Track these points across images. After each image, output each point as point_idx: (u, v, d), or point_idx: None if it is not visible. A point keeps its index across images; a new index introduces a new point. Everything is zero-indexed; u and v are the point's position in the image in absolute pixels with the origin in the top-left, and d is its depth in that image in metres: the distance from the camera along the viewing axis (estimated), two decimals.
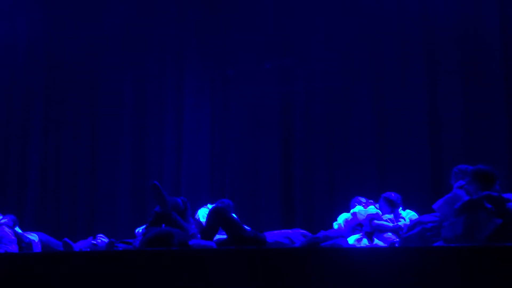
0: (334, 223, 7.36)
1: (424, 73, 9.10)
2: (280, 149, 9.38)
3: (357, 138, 9.14)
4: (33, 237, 7.34)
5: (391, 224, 6.86)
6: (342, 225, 7.14)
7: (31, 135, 9.73)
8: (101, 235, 7.26)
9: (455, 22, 9.06)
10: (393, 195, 7.13)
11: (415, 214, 7.08)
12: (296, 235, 6.01)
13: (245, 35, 9.49)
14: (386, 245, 6.60)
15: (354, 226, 7.03)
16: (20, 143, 9.71)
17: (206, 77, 9.68)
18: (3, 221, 7.33)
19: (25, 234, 7.22)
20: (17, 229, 7.45)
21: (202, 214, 7.47)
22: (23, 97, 9.74)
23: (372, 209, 7.05)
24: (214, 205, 6.96)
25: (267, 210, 9.22)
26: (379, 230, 6.79)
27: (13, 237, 7.02)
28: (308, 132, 9.34)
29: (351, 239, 6.79)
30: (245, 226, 6.29)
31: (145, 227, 6.58)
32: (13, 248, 6.91)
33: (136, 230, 7.26)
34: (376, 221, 6.84)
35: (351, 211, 7.24)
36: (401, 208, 7.19)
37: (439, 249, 4.94)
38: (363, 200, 7.46)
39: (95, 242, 7.03)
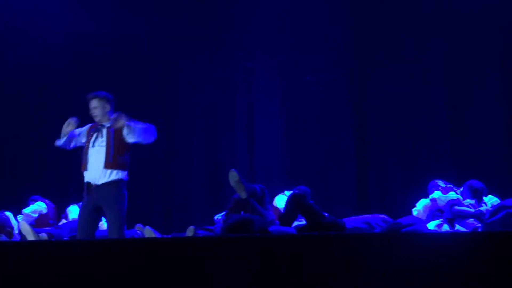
0: (413, 209, 7.28)
1: (500, 61, 8.94)
2: (354, 134, 9.35)
3: (431, 120, 9.04)
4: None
5: (472, 210, 6.69)
6: (422, 211, 7.05)
7: None
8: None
9: None
10: (477, 183, 6.91)
11: (497, 199, 6.91)
12: (376, 220, 5.96)
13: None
14: (468, 231, 6.47)
15: (434, 212, 6.92)
16: None
17: (276, 62, 9.72)
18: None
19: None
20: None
21: (279, 201, 7.54)
22: None
23: (452, 194, 6.91)
24: (292, 191, 7.00)
25: (341, 197, 9.20)
26: (461, 216, 6.65)
27: None
28: (381, 118, 9.27)
29: (431, 225, 6.69)
30: (324, 213, 6.31)
31: (224, 214, 6.68)
32: None
33: (216, 217, 7.37)
34: (457, 207, 6.69)
35: (430, 196, 7.13)
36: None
37: None
38: (441, 183, 7.32)
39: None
